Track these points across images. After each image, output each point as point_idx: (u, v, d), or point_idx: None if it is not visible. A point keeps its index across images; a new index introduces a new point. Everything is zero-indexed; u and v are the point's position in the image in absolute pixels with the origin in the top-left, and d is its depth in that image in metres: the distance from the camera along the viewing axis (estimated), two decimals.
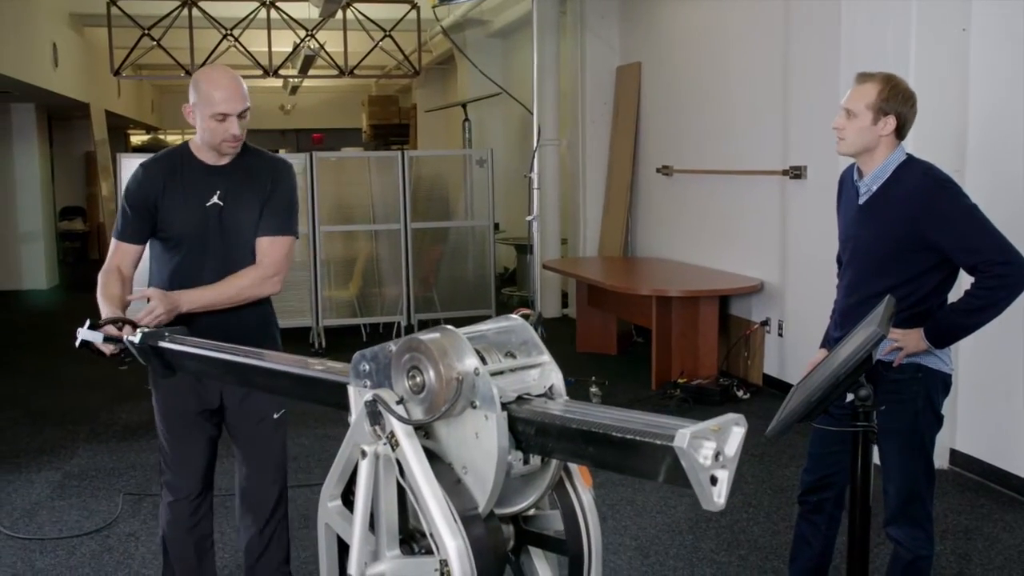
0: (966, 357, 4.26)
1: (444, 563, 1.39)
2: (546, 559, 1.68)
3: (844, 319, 2.81)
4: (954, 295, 2.72)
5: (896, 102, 2.63)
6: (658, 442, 1.20)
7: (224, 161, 2.75)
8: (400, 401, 1.50)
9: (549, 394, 1.52)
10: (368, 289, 8.10)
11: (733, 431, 1.20)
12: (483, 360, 1.47)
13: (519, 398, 1.47)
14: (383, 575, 1.54)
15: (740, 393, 6.00)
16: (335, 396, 1.69)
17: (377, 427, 1.50)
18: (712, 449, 1.17)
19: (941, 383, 2.74)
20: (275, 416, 2.90)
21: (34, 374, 7.11)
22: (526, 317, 1.60)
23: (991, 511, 4.12)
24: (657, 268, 7.40)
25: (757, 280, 6.26)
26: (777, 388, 6.12)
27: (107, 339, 2.40)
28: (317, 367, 1.82)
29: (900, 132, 2.66)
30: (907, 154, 2.69)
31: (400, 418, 1.47)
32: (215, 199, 2.73)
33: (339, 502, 1.67)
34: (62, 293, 11.63)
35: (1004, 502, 4.22)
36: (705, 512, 4.15)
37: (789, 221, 5.97)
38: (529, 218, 5.08)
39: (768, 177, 6.10)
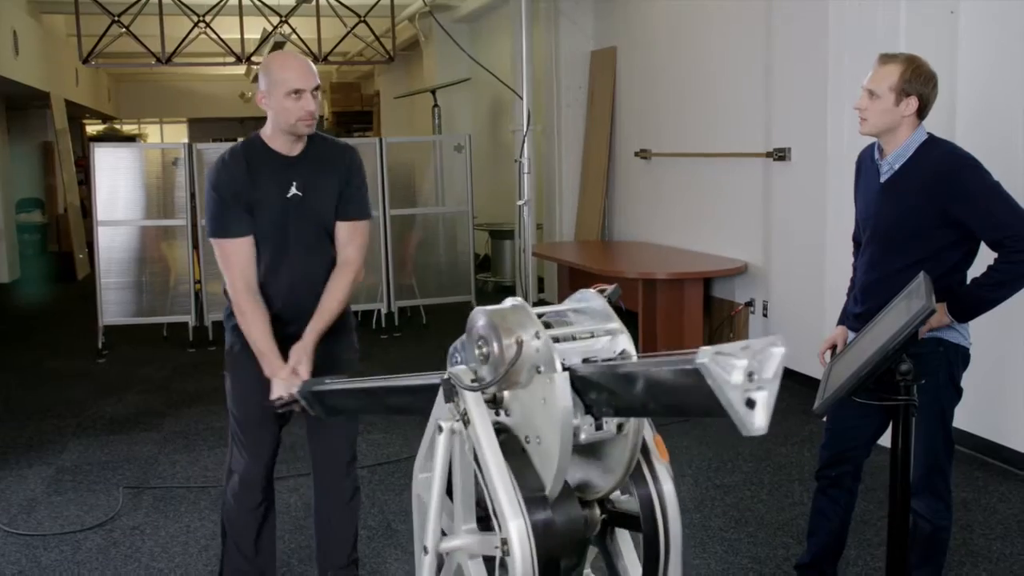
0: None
1: (504, 541, 1.41)
2: (633, 545, 1.70)
3: (865, 296, 2.86)
4: (973, 271, 2.78)
5: (918, 83, 2.67)
6: (686, 366, 1.12)
7: (298, 150, 2.77)
8: (475, 380, 1.53)
9: (619, 359, 1.52)
10: None
11: (771, 352, 1.09)
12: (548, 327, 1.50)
13: (586, 360, 1.49)
14: (456, 549, 1.55)
15: None
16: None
17: (452, 404, 1.53)
18: (743, 368, 1.07)
19: (961, 357, 2.80)
20: None
21: (8, 369, 6.97)
22: (602, 291, 1.61)
23: (987, 483, 4.23)
24: (639, 251, 7.44)
25: (741, 261, 6.33)
26: None
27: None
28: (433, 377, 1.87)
29: (921, 112, 2.72)
30: (928, 133, 2.75)
31: (466, 386, 1.50)
32: (294, 190, 2.75)
33: (429, 474, 1.69)
34: (25, 287, 11.39)
35: (998, 474, 4.32)
36: (708, 490, 4.20)
37: (773, 203, 6.04)
38: (520, 203, 5.08)
39: (751, 159, 6.17)
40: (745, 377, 1.07)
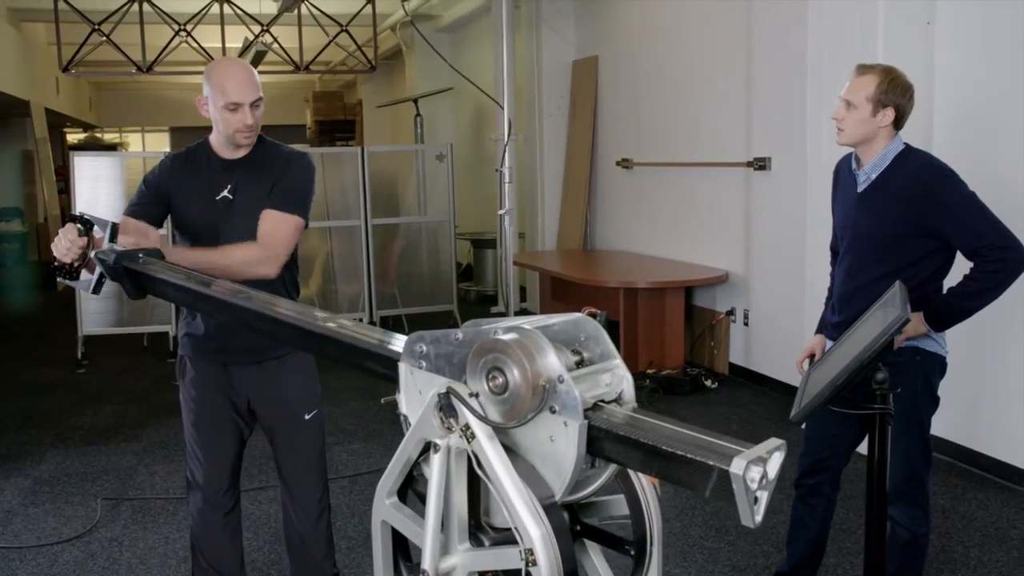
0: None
1: (530, 551, 1.39)
2: (600, 549, 1.70)
3: (843, 305, 2.87)
4: (950, 281, 2.80)
5: (895, 94, 2.70)
6: (722, 466, 1.27)
7: (240, 155, 2.75)
8: (474, 395, 1.49)
9: (619, 400, 1.51)
10: (327, 286, 8.04)
11: (775, 456, 1.29)
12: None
13: (595, 405, 1.46)
14: (455, 567, 1.53)
15: (708, 382, 6.08)
16: (362, 359, 1.72)
17: (451, 420, 1.48)
18: (760, 473, 1.25)
19: (938, 365, 2.82)
20: (307, 417, 2.87)
21: None
22: (593, 315, 1.60)
23: (965, 491, 4.25)
24: (621, 260, 7.46)
25: (722, 270, 6.35)
26: (743, 377, 6.23)
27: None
28: (353, 329, 1.81)
29: (898, 123, 2.74)
30: (905, 143, 2.77)
31: (483, 419, 1.45)
32: (225, 193, 2.72)
33: (396, 498, 1.66)
34: (5, 296, 11.30)
35: (976, 481, 4.35)
36: (688, 499, 4.20)
37: (753, 212, 6.06)
38: (501, 212, 5.09)
39: (732, 169, 6.19)
40: (759, 480, 1.24)
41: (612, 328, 6.86)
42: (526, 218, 9.12)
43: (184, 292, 2.20)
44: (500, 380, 1.44)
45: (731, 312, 6.34)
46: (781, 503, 4.05)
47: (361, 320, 7.94)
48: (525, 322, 1.50)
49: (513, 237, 5.34)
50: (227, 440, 2.86)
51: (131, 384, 6.62)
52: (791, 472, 3.16)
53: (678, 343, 6.44)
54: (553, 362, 1.41)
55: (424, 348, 1.58)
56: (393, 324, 8.18)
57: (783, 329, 5.71)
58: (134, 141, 20.75)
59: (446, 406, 1.47)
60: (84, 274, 2.33)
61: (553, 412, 1.41)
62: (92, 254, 2.29)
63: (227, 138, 2.69)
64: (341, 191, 7.89)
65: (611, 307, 6.49)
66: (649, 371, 6.16)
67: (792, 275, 5.46)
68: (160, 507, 4.29)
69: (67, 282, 2.38)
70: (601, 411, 1.45)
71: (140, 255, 2.25)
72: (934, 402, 2.85)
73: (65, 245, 2.29)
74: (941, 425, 4.56)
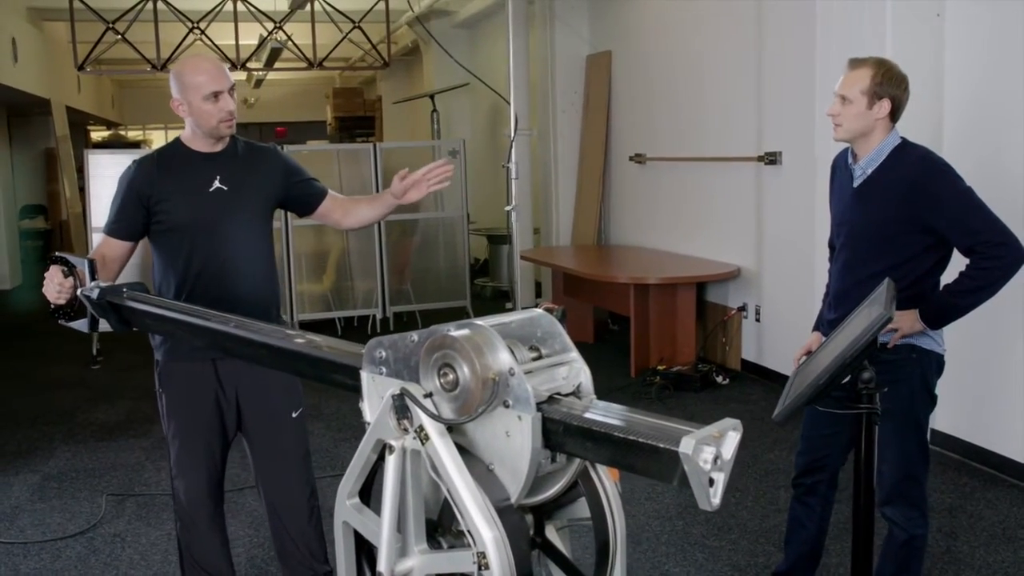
0: (944, 338, 4.30)
1: (482, 555, 1.38)
2: (564, 546, 1.68)
3: (839, 301, 2.83)
4: (946, 278, 2.76)
5: (890, 86, 2.65)
6: (671, 448, 1.26)
7: (219, 148, 2.76)
8: (428, 395, 1.48)
9: (577, 393, 1.50)
10: (341, 283, 8.06)
11: (730, 435, 1.27)
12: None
13: (550, 397, 1.46)
14: (412, 570, 1.52)
15: (719, 379, 6.03)
16: (329, 372, 1.73)
17: (405, 421, 1.48)
18: (712, 453, 1.24)
19: (935, 363, 2.77)
20: (293, 415, 2.86)
21: (3, 376, 6.99)
22: (550, 311, 1.59)
23: (973, 489, 4.18)
24: (633, 256, 7.42)
25: (734, 266, 6.30)
26: (755, 373, 6.17)
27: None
28: (321, 344, 1.83)
29: (894, 115, 2.69)
30: (901, 138, 2.72)
31: (433, 416, 1.44)
32: (217, 184, 2.72)
33: (357, 499, 1.65)
34: (27, 293, 11.41)
35: (985, 480, 4.28)
36: (690, 497, 4.14)
37: (764, 207, 6.01)
38: (508, 208, 5.07)
39: (743, 163, 6.14)
40: (712, 461, 1.24)
41: (623, 324, 6.84)
42: (541, 213, 9.09)
43: (163, 321, 2.28)
44: (451, 376, 1.43)
45: (743, 308, 6.29)
46: (786, 501, 4.01)
47: (374, 316, 7.96)
48: (481, 320, 1.49)
49: (521, 233, 5.33)
50: (213, 443, 2.85)
51: (144, 380, 6.57)
52: (793, 471, 3.13)
53: (689, 339, 6.39)
54: (503, 356, 1.40)
55: (383, 353, 1.58)
56: (407, 320, 8.19)
57: (795, 325, 5.64)
58: (157, 138, 20.88)
59: (400, 407, 1.46)
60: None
61: (507, 406, 1.41)
62: (80, 292, 2.35)
63: (209, 131, 2.70)
64: (358, 187, 7.90)
65: (621, 303, 6.46)
66: (660, 367, 6.12)
67: (803, 270, 5.41)
68: (164, 503, 4.31)
69: (67, 324, 2.45)
70: (557, 403, 1.45)
71: (124, 289, 2.30)
72: (931, 401, 2.80)
73: (55, 288, 2.38)
74: (950, 422, 4.53)
